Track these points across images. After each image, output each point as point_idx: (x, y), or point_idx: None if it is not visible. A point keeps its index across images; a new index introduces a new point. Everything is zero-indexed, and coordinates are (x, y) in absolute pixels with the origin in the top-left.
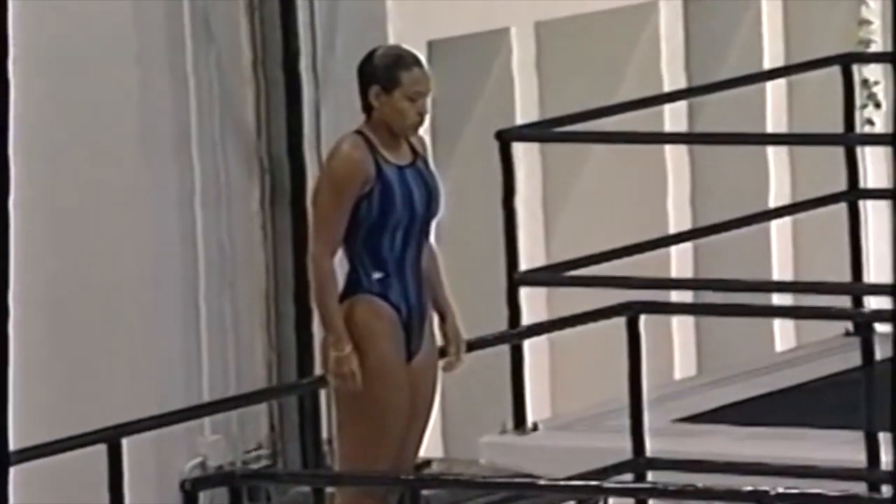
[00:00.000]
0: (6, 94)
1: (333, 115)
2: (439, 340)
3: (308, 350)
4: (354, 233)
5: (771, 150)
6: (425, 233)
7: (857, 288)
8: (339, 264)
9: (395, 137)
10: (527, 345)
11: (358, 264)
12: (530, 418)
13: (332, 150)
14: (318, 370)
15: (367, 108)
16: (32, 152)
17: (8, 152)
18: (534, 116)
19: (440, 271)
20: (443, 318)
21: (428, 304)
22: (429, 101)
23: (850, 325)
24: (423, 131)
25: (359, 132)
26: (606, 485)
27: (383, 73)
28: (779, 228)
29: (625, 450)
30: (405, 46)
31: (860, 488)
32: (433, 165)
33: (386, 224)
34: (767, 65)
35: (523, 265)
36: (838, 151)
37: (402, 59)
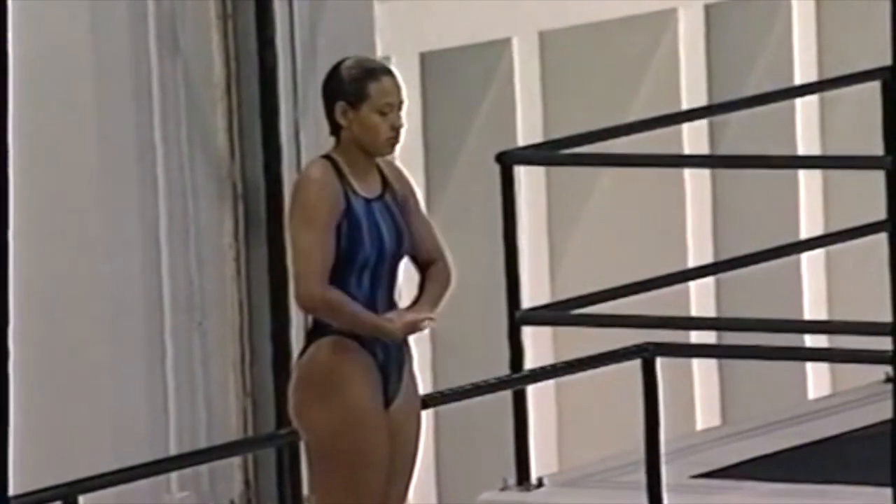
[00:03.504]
0: (6, 95)
1: (314, 136)
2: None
3: (286, 396)
4: None
5: (802, 175)
6: (395, 273)
7: None
8: None
9: (369, 161)
10: (530, 390)
11: None
12: (535, 473)
13: (300, 178)
14: None
15: (336, 129)
16: None
17: (7, 155)
18: (538, 137)
19: (442, 293)
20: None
21: (405, 345)
22: (403, 114)
23: (890, 370)
24: (416, 153)
25: (327, 157)
26: None
27: (349, 86)
28: (811, 262)
29: None
30: (374, 58)
31: None
32: (414, 191)
33: (353, 263)
34: (798, 80)
35: (526, 302)
36: (877, 176)
37: (369, 70)
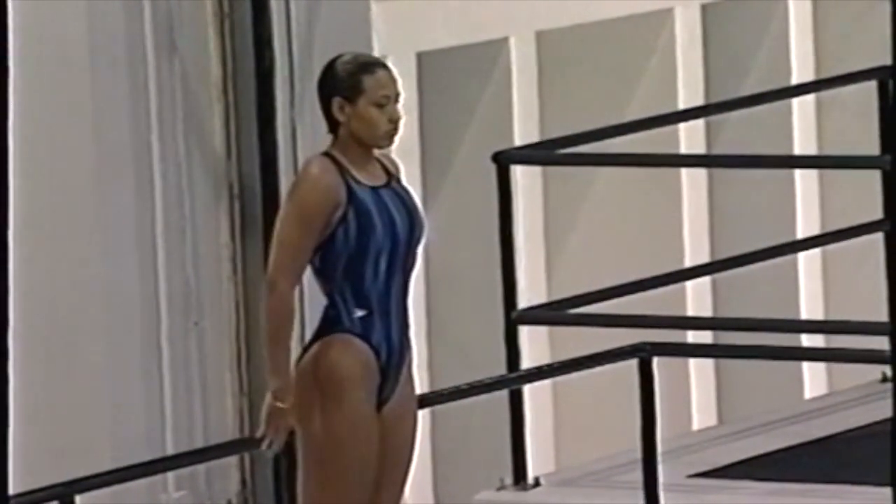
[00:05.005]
0: (6, 94)
1: (310, 136)
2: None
3: None
4: (334, 265)
5: (798, 175)
6: (411, 261)
7: (895, 328)
8: (312, 301)
9: (368, 155)
10: (527, 390)
11: (339, 300)
12: (531, 472)
13: (300, 174)
14: None
15: (333, 125)
16: None
17: (7, 156)
18: (534, 137)
19: None
20: None
21: (409, 345)
22: (400, 107)
23: (887, 370)
24: (413, 153)
25: (326, 154)
26: None
27: (344, 81)
28: (807, 261)
29: None
30: (370, 54)
31: None
32: (410, 187)
33: (367, 251)
34: (795, 79)
35: (522, 302)
36: (873, 176)
37: (364, 64)
